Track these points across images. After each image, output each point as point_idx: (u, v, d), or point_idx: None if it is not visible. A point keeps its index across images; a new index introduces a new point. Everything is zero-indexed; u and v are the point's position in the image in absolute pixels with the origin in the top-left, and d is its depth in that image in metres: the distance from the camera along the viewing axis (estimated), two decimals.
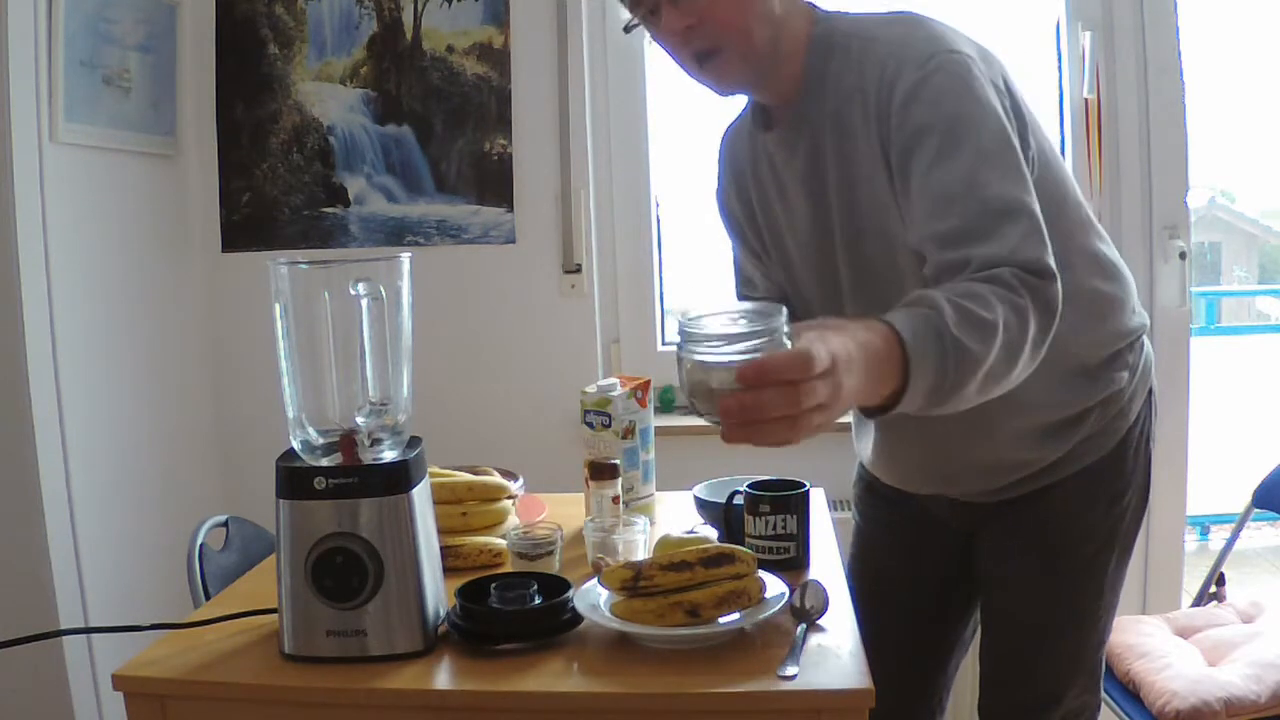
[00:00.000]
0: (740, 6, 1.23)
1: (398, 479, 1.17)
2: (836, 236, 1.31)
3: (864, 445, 1.54)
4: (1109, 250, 1.37)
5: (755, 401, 0.86)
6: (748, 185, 1.44)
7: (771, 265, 1.48)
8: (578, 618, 1.21)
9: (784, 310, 0.94)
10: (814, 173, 1.30)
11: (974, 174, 1.13)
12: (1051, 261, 1.10)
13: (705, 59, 1.26)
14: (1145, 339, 1.43)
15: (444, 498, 1.49)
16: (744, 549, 1.24)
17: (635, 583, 1.18)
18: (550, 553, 1.41)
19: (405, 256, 1.23)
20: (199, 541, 1.64)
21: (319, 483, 1.15)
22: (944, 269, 1.11)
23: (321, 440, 1.21)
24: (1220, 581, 2.14)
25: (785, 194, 1.37)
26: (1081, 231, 1.33)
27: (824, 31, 1.27)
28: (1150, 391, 1.44)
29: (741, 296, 1.57)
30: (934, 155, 1.15)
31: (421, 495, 1.20)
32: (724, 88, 1.32)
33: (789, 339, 0.92)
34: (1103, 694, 1.83)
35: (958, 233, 1.11)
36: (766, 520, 1.44)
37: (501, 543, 1.48)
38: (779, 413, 0.87)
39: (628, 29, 1.30)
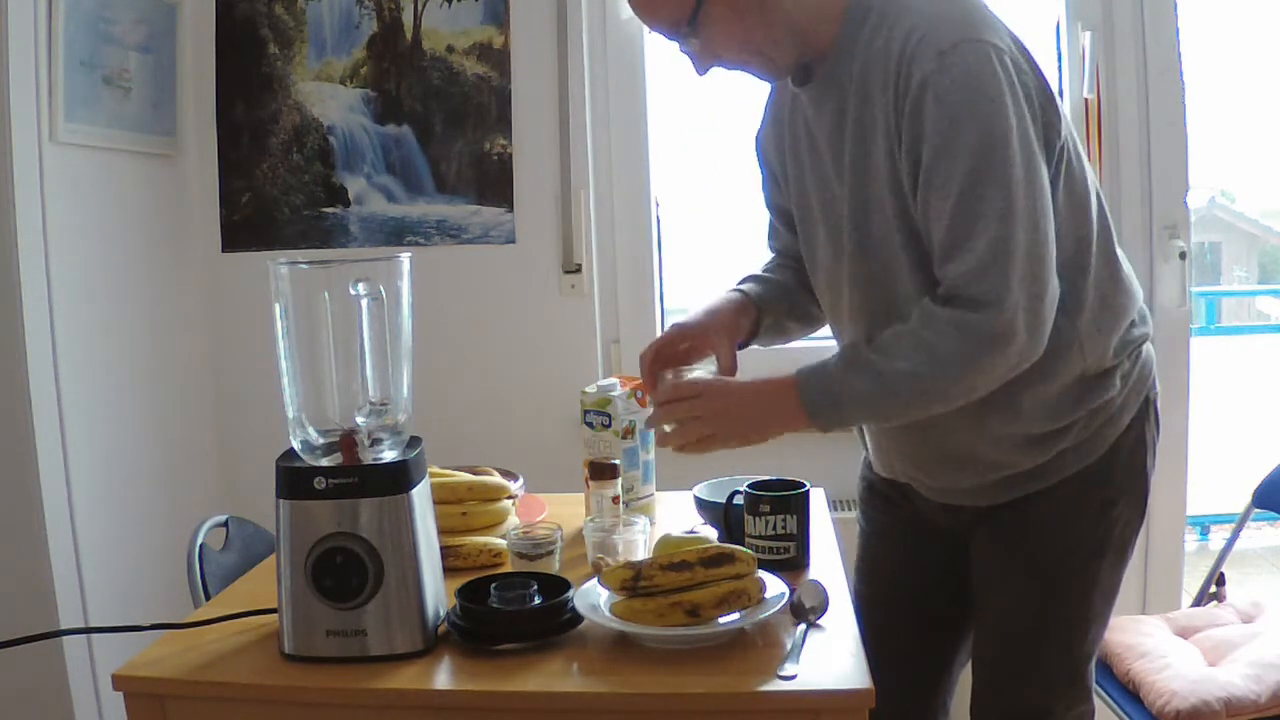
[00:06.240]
0: (744, 41, 1.27)
1: (398, 479, 1.17)
2: (847, 203, 1.31)
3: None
4: (1124, 258, 1.37)
5: (651, 416, 1.32)
6: (784, 132, 1.44)
7: (789, 217, 1.49)
8: (578, 618, 1.21)
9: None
10: (837, 133, 1.31)
11: (967, 181, 1.17)
12: (1008, 287, 1.17)
13: (729, 70, 1.32)
14: (1144, 347, 1.40)
15: (444, 498, 1.49)
16: (744, 549, 1.25)
17: (635, 583, 1.18)
18: (550, 553, 1.41)
19: (405, 256, 1.23)
20: (199, 541, 1.64)
21: (319, 483, 1.15)
22: (937, 280, 1.24)
23: (321, 440, 1.21)
24: (1220, 581, 2.13)
25: (816, 148, 1.37)
26: (1104, 237, 1.33)
27: None
28: (1148, 400, 1.40)
29: (770, 246, 1.60)
30: (937, 152, 1.18)
31: (421, 495, 1.20)
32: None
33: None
34: (1103, 694, 1.84)
35: (942, 243, 1.21)
36: (766, 520, 1.44)
37: (501, 543, 1.48)
38: (666, 422, 1.29)
39: None
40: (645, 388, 1.40)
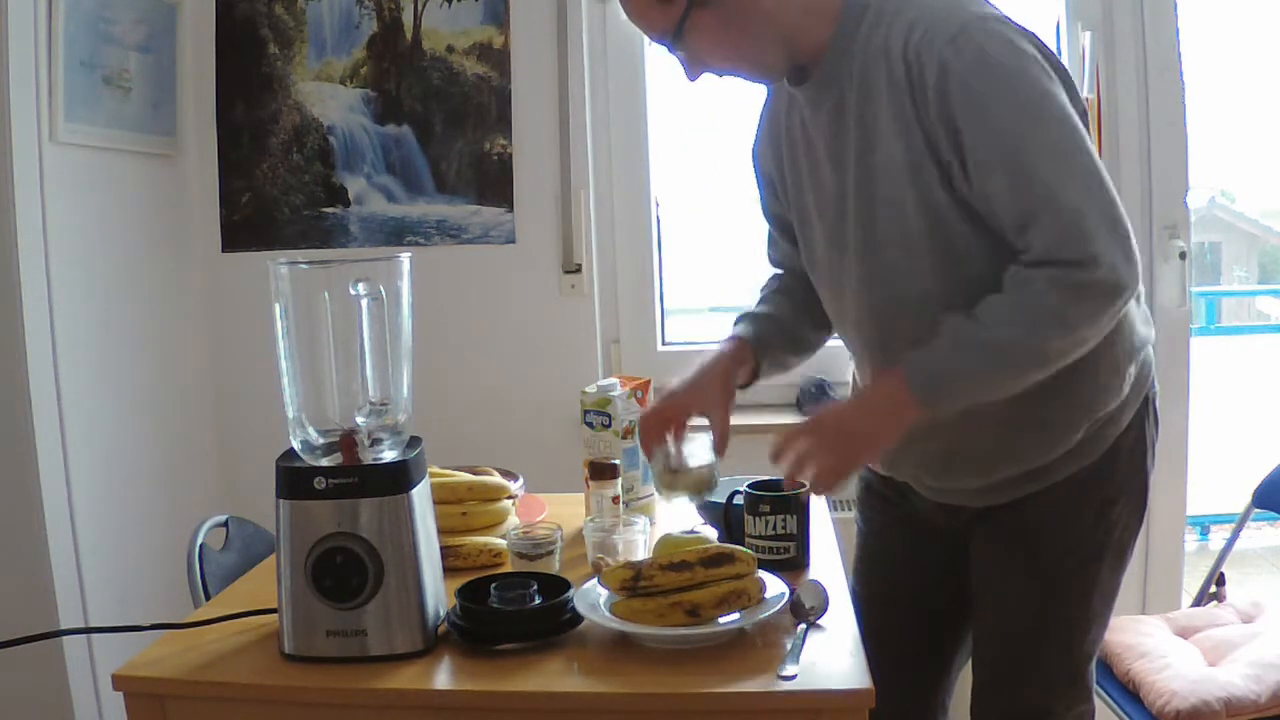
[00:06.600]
0: (731, 49, 1.28)
1: (398, 479, 1.17)
2: (850, 201, 1.31)
3: None
4: None
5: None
6: (780, 135, 1.44)
7: (787, 226, 1.49)
8: (578, 618, 1.21)
9: None
10: (837, 132, 1.31)
11: (1011, 157, 1.17)
12: (1095, 243, 1.15)
13: (720, 76, 1.33)
14: (1145, 347, 1.40)
15: (444, 498, 1.49)
16: (744, 549, 1.25)
17: (635, 583, 1.18)
18: (550, 553, 1.41)
19: (405, 256, 1.23)
20: (199, 541, 1.64)
21: (319, 483, 1.15)
22: (1016, 252, 1.21)
23: (321, 440, 1.21)
24: (1220, 581, 2.13)
25: (813, 151, 1.37)
26: None
27: None
28: (1147, 400, 1.40)
29: (770, 259, 1.60)
30: (976, 135, 1.18)
31: (421, 495, 1.20)
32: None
33: None
34: (1103, 694, 1.84)
35: (1010, 220, 1.20)
36: (766, 520, 1.44)
37: (501, 543, 1.48)
38: (798, 474, 1.25)
39: None
40: (646, 453, 1.40)
